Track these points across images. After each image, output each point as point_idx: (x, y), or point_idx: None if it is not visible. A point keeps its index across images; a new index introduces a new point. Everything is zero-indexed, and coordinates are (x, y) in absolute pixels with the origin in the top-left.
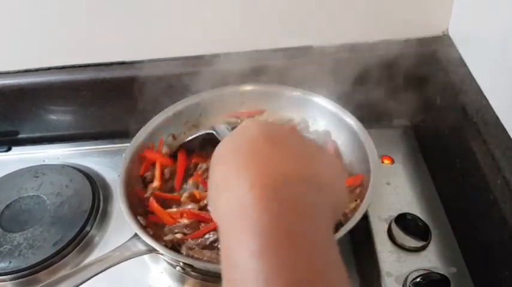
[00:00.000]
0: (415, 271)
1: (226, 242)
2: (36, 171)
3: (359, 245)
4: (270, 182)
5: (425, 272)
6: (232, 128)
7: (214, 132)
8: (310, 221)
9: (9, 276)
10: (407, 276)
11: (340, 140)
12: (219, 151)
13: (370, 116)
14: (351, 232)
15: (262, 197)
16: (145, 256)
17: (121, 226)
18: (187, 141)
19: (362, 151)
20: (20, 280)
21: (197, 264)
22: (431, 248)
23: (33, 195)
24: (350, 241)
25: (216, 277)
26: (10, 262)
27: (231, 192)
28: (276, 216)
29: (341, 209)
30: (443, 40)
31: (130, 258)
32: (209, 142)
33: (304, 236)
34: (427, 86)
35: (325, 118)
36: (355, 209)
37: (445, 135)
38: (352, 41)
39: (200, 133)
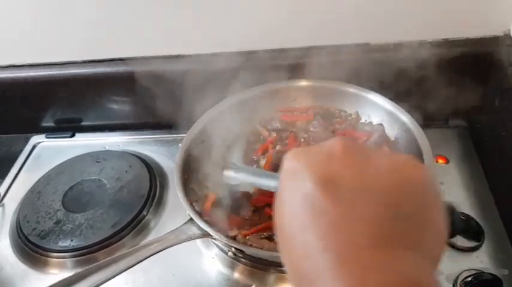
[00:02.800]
0: (467, 270)
1: None
2: (98, 156)
3: None
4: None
5: (477, 272)
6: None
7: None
8: None
9: (69, 253)
10: (459, 275)
11: (394, 136)
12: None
13: (425, 115)
14: None
15: None
16: (198, 242)
17: (175, 213)
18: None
19: (416, 148)
20: (79, 258)
21: (248, 250)
22: (484, 249)
23: (95, 179)
24: None
25: (266, 264)
26: (72, 240)
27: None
28: None
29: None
30: (504, 41)
31: (185, 241)
32: None
33: None
34: (486, 86)
35: (379, 114)
36: None
37: (502, 137)
38: (411, 40)
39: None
